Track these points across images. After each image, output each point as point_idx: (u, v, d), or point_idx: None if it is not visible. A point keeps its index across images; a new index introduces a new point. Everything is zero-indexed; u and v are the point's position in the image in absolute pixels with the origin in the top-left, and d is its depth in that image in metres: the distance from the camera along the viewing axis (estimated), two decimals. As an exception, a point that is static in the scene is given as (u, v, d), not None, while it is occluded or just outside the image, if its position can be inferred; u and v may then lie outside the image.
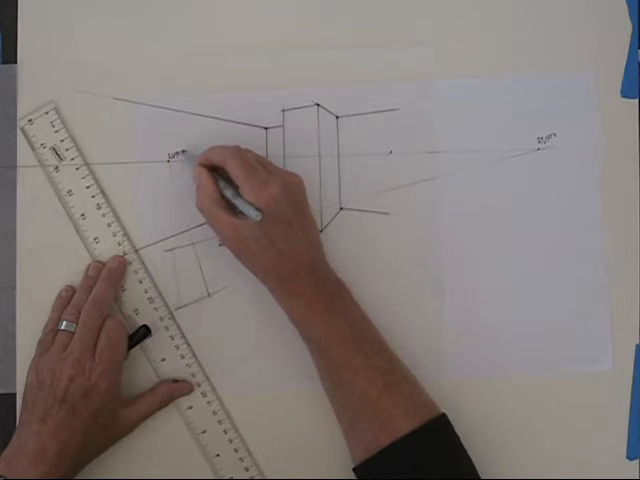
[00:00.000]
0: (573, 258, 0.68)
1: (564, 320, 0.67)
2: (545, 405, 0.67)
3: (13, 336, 0.66)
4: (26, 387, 0.62)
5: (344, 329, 0.61)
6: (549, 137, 0.68)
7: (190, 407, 0.66)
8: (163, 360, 0.66)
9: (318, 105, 0.67)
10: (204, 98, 0.67)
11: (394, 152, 0.67)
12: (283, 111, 0.67)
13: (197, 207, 0.62)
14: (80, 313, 0.62)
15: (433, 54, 0.68)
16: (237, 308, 0.66)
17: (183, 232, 0.66)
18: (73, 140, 0.66)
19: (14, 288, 0.66)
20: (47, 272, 0.66)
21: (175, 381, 0.65)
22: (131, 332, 0.64)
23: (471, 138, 0.67)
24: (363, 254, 0.66)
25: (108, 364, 0.61)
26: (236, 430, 0.66)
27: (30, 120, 0.66)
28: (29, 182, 0.66)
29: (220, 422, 0.66)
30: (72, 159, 0.66)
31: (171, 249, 0.66)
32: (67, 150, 0.66)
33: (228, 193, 0.61)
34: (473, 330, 0.67)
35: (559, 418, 0.67)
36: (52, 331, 0.63)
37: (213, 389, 0.66)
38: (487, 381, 0.67)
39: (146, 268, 0.66)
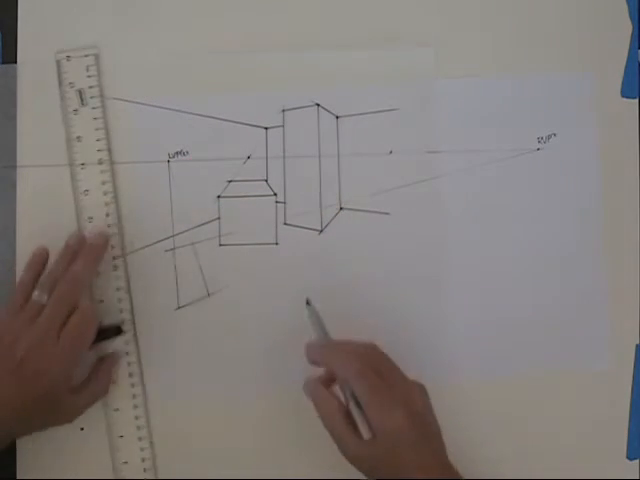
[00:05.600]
0: (573, 258, 0.68)
1: (564, 320, 0.67)
2: (545, 405, 0.67)
3: (13, 336, 0.66)
4: None
5: None
6: (549, 137, 0.68)
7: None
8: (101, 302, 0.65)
9: (318, 105, 0.67)
10: (204, 98, 0.67)
11: (394, 152, 0.67)
12: (283, 111, 0.67)
13: (323, 425, 0.59)
14: (55, 284, 0.61)
15: (433, 54, 0.68)
16: (237, 308, 0.66)
17: (183, 232, 0.66)
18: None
19: (14, 288, 0.66)
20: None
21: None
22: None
23: (471, 138, 0.68)
24: (363, 254, 0.66)
25: (70, 350, 0.59)
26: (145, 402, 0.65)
27: (68, 57, 0.66)
28: (29, 182, 0.66)
29: (134, 396, 0.65)
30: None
31: (171, 249, 0.66)
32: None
33: (351, 405, 0.58)
34: (473, 330, 0.67)
35: (559, 418, 0.67)
36: (24, 292, 0.61)
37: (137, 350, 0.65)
38: (486, 381, 0.67)
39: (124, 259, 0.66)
